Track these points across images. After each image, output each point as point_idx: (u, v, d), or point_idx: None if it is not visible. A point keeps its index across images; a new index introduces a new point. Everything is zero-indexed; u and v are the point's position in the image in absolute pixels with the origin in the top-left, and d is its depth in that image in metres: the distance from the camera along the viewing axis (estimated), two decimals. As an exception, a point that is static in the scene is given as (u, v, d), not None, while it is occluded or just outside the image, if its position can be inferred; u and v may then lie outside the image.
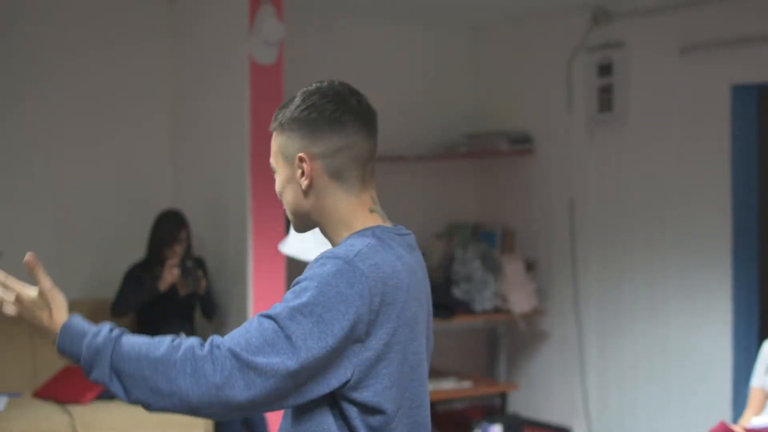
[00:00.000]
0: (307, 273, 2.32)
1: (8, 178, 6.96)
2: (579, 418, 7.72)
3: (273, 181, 2.57)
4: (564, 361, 7.88)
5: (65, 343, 2.36)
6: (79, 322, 2.39)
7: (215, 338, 2.27)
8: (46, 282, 2.46)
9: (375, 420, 2.33)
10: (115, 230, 7.41)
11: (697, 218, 7.01)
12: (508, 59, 8.41)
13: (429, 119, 8.48)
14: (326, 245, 2.52)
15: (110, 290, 7.08)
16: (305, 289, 2.28)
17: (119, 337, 2.31)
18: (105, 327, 2.34)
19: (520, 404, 8.09)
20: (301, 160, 2.44)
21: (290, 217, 2.56)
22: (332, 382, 2.28)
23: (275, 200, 6.19)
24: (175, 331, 6.66)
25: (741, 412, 5.74)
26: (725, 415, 6.55)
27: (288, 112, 2.48)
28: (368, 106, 2.54)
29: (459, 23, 8.50)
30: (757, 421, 4.67)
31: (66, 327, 2.38)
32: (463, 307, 7.65)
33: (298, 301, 2.26)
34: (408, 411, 2.42)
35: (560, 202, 7.90)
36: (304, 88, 2.52)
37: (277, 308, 2.28)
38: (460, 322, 7.68)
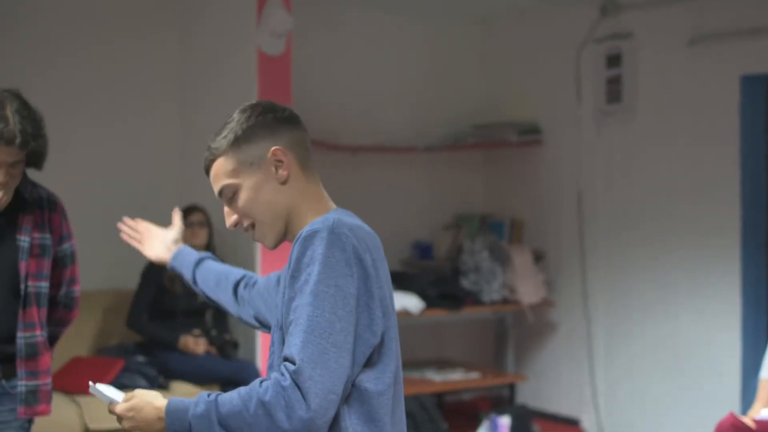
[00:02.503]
0: (300, 258, 2.52)
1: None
2: (587, 409, 7.72)
3: (221, 192, 2.78)
4: (572, 352, 7.88)
5: (174, 423, 2.56)
6: (178, 400, 2.58)
7: (288, 365, 2.44)
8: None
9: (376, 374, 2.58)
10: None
11: (705, 210, 6.99)
12: (517, 50, 8.40)
13: (437, 110, 8.48)
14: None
15: (125, 281, 7.10)
16: (310, 273, 2.48)
17: (216, 398, 2.51)
18: (202, 396, 2.54)
19: (528, 395, 8.10)
20: (276, 153, 2.69)
21: (265, 226, 2.74)
22: (367, 337, 2.53)
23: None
24: (186, 327, 6.68)
25: (750, 405, 5.74)
26: (734, 407, 6.55)
27: (237, 127, 2.73)
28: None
29: (467, 15, 8.49)
30: (766, 413, 4.67)
31: (169, 409, 2.57)
32: (471, 298, 7.65)
33: (313, 285, 2.47)
34: (397, 364, 2.63)
35: (568, 193, 7.89)
36: (237, 110, 2.79)
37: (303, 301, 2.47)
38: (468, 312, 7.68)
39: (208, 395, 2.53)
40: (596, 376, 7.66)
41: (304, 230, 2.55)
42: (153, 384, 6.48)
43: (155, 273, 6.77)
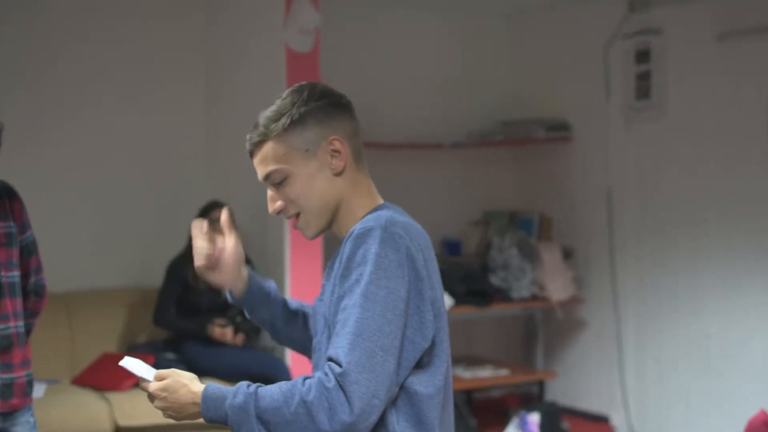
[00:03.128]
0: (352, 256, 2.44)
1: (47, 168, 6.99)
2: (617, 407, 7.70)
3: (268, 176, 2.63)
4: (602, 350, 7.85)
5: (209, 410, 2.48)
6: (216, 387, 2.51)
7: (333, 366, 2.37)
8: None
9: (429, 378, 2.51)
10: (153, 220, 7.43)
11: (737, 206, 6.95)
12: (545, 46, 8.37)
13: (465, 107, 8.46)
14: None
15: (150, 279, 7.12)
16: (361, 273, 2.42)
17: (257, 391, 2.44)
18: (242, 386, 2.46)
19: (557, 392, 8.07)
20: (333, 142, 2.58)
21: (312, 216, 2.62)
22: (417, 341, 2.46)
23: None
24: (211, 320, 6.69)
25: (781, 401, 5.70)
26: (765, 405, 6.50)
27: (291, 109, 2.58)
28: None
29: (495, 10, 8.47)
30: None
31: (206, 395, 2.50)
32: (500, 295, 7.63)
33: (363, 286, 2.40)
34: (447, 366, 2.56)
35: (598, 189, 7.86)
36: (289, 89, 2.64)
37: (352, 301, 2.41)
38: (497, 309, 7.66)
39: (248, 386, 2.45)
40: (626, 374, 7.63)
41: (357, 227, 2.47)
42: (182, 380, 6.49)
43: (180, 269, 6.79)
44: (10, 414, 4.04)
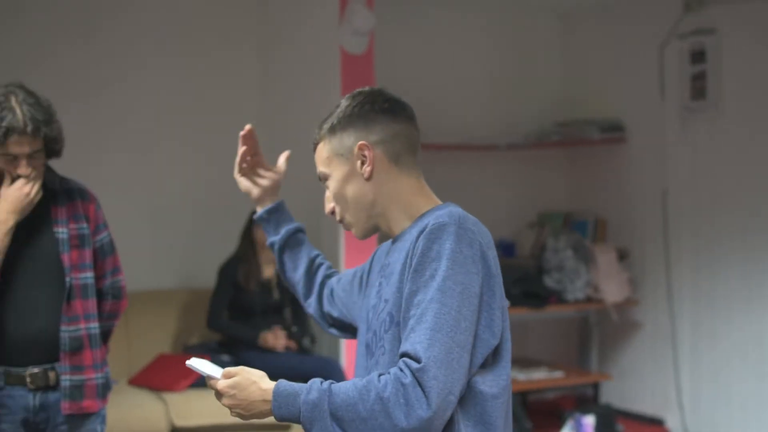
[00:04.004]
0: (426, 252, 2.44)
1: (102, 169, 7.05)
2: (672, 409, 7.65)
3: (320, 176, 2.70)
4: (656, 352, 7.80)
5: (281, 407, 2.47)
6: (287, 384, 2.50)
7: (410, 362, 2.35)
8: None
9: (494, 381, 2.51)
10: (206, 222, 7.48)
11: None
12: (599, 46, 8.34)
13: (520, 108, 8.45)
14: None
15: (203, 281, 7.16)
16: (436, 269, 2.41)
17: (330, 387, 2.42)
18: (315, 382, 2.45)
19: (612, 395, 8.04)
20: (362, 147, 2.63)
21: (353, 218, 2.69)
22: (487, 338, 2.46)
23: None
24: (266, 324, 6.71)
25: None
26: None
27: (338, 115, 2.68)
28: (407, 102, 2.73)
29: (549, 10, 8.45)
30: None
31: (277, 392, 2.49)
32: (555, 297, 7.61)
33: (440, 281, 2.39)
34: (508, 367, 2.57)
35: (653, 191, 7.82)
36: (348, 94, 2.73)
37: (428, 296, 2.39)
38: (551, 311, 7.65)
39: (321, 382, 2.44)
40: (681, 376, 7.58)
41: (431, 223, 2.47)
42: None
43: (231, 271, 6.83)
44: (79, 418, 4.07)
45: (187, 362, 2.66)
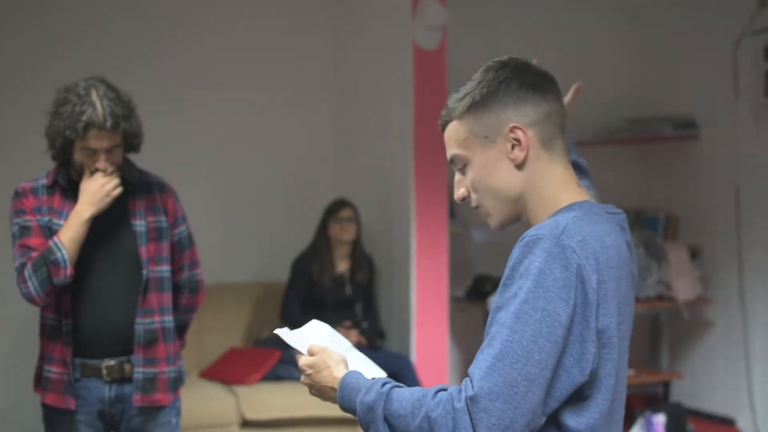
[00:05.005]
0: (517, 266, 2.20)
1: (175, 165, 7.09)
2: (744, 409, 7.56)
3: (438, 167, 2.52)
4: (728, 351, 7.72)
5: (344, 399, 2.38)
6: (354, 377, 2.39)
7: (467, 387, 2.14)
8: None
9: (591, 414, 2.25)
10: (278, 217, 7.52)
11: None
12: (672, 42, 8.26)
13: (591, 104, 8.34)
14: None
15: (275, 275, 7.19)
16: (520, 288, 2.16)
17: (389, 392, 2.27)
18: (377, 382, 2.31)
19: (682, 394, 7.97)
20: (513, 130, 2.32)
21: (494, 207, 2.39)
22: (574, 373, 2.19)
23: (439, 188, 6.19)
24: (337, 319, 6.73)
25: None
26: None
27: (479, 90, 2.35)
28: (552, 75, 2.44)
29: (621, 5, 8.38)
30: None
31: (343, 383, 2.39)
32: (626, 294, 7.55)
33: (518, 304, 2.15)
34: (612, 404, 2.30)
35: (725, 189, 7.74)
36: (484, 66, 2.40)
37: (504, 318, 2.15)
38: (622, 309, 7.58)
39: (383, 384, 2.29)
40: (753, 376, 7.50)
41: (529, 233, 2.21)
42: (308, 376, 6.54)
43: (305, 265, 6.86)
44: (152, 410, 4.10)
45: (276, 330, 2.61)
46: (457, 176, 2.42)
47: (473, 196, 2.40)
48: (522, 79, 2.35)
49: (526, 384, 2.11)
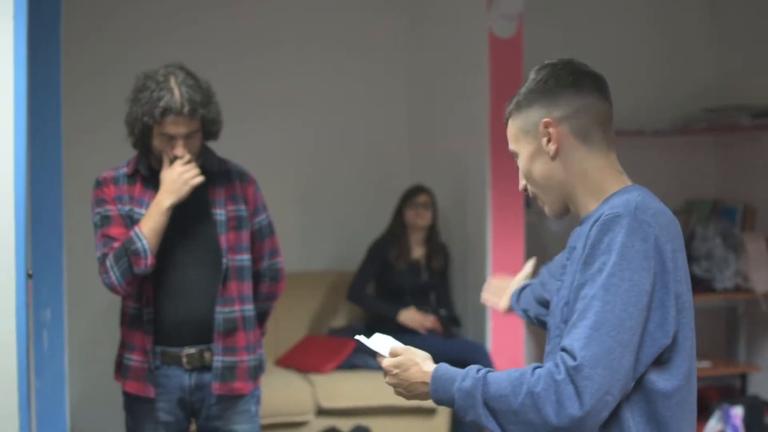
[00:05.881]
0: (597, 244, 2.36)
1: (252, 151, 7.11)
2: (823, 402, 7.48)
3: (512, 154, 2.64)
4: (807, 343, 7.64)
5: (437, 391, 2.49)
6: (446, 369, 2.51)
7: (566, 359, 2.31)
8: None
9: (671, 380, 2.41)
10: (354, 205, 7.54)
11: None
12: (750, 30, 8.15)
13: (667, 93, 8.30)
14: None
15: (352, 263, 7.19)
16: (604, 263, 2.33)
17: (485, 376, 2.41)
18: (472, 369, 2.45)
19: (760, 386, 7.88)
20: (546, 125, 2.53)
21: (543, 196, 2.62)
22: (658, 337, 2.36)
23: (515, 174, 6.17)
24: (412, 304, 6.72)
25: None
26: None
27: (524, 90, 2.58)
28: (598, 72, 2.64)
29: (699, -6, 8.30)
30: None
31: (435, 376, 2.50)
32: (703, 285, 7.48)
33: (606, 277, 2.32)
34: (690, 365, 2.47)
35: (805, 178, 7.65)
36: (535, 68, 2.62)
37: (592, 292, 2.33)
38: (699, 300, 7.47)
39: (477, 370, 2.43)
40: (833, 368, 7.42)
41: (605, 212, 2.39)
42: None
43: (382, 249, 6.86)
44: (231, 398, 4.12)
45: (356, 337, 2.70)
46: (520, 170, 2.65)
47: (529, 187, 2.64)
48: (560, 77, 2.56)
49: (620, 350, 2.28)
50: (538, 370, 2.34)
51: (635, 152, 8.12)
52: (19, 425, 3.77)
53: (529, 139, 2.56)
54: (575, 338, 2.30)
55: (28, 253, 4.10)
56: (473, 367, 2.45)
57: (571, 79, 2.56)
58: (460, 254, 7.06)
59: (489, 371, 2.42)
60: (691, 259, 7.55)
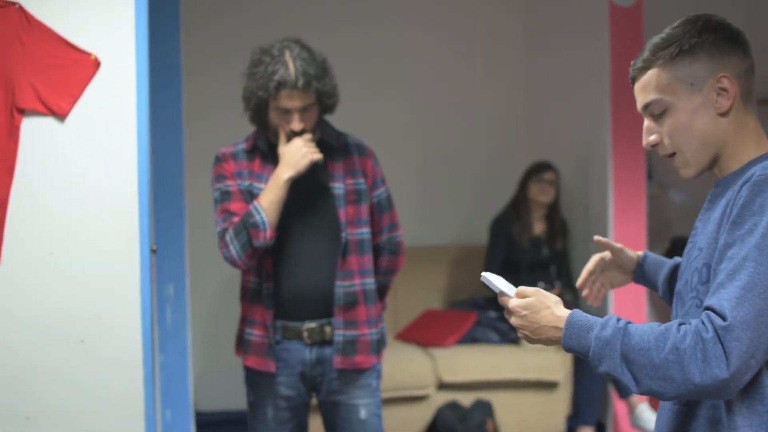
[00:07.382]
0: (748, 204, 2.27)
1: (374, 125, 7.10)
2: None
3: (636, 128, 2.54)
4: None
5: (571, 337, 2.39)
6: (582, 315, 2.40)
7: (714, 318, 2.22)
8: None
9: None
10: (474, 179, 7.53)
11: None
12: None
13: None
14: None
15: (473, 237, 7.18)
16: (756, 224, 2.25)
17: (626, 327, 2.31)
18: (612, 318, 2.35)
19: None
20: (721, 79, 2.41)
21: (692, 154, 2.47)
22: None
23: (637, 149, 6.04)
24: (531, 280, 6.68)
25: None
26: None
27: (686, 40, 2.43)
28: None
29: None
30: None
31: (570, 322, 2.40)
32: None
33: (759, 238, 2.23)
34: None
35: None
36: (682, 19, 2.48)
37: (743, 252, 2.24)
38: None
39: (618, 320, 2.33)
40: None
41: (758, 173, 2.29)
42: (504, 340, 6.52)
43: (503, 226, 6.83)
44: (353, 372, 4.12)
45: (482, 274, 2.59)
46: (648, 123, 2.52)
47: (668, 142, 2.49)
48: (726, 33, 2.45)
49: None
50: (684, 326, 2.25)
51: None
52: (144, 399, 3.83)
53: (692, 92, 2.43)
54: (725, 298, 2.21)
55: (151, 229, 4.16)
56: (613, 317, 2.35)
57: (736, 37, 2.46)
58: (581, 228, 6.98)
59: (629, 322, 2.33)
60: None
